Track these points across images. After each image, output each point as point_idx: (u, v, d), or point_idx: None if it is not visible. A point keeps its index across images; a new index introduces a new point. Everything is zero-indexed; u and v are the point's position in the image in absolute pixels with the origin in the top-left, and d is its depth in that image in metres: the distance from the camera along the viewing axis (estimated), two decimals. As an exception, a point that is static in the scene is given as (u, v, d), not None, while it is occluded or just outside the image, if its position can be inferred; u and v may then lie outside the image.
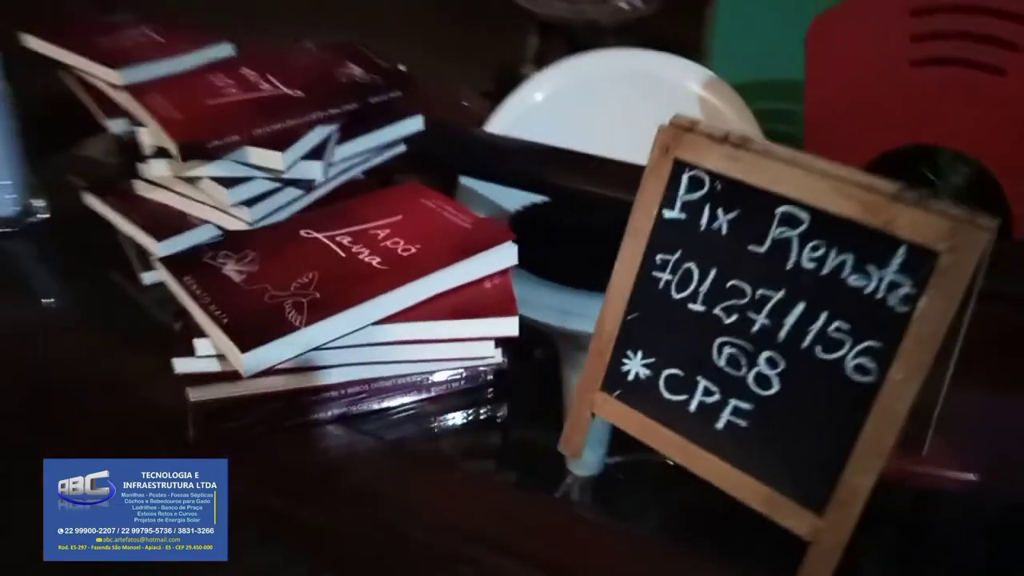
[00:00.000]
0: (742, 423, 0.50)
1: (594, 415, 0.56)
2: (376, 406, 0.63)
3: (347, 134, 0.76)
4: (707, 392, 0.51)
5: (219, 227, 0.73)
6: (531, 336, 0.73)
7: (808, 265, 0.47)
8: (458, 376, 0.64)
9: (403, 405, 0.63)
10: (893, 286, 0.44)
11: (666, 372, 0.53)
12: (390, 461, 0.61)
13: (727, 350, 0.50)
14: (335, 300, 0.58)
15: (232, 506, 0.52)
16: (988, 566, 0.57)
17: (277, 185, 0.72)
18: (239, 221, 0.72)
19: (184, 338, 0.59)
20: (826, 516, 0.46)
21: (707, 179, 0.50)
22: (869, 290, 0.45)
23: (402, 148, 0.82)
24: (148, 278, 0.74)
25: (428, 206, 0.70)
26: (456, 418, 0.64)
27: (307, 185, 0.74)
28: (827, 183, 0.46)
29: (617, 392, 0.55)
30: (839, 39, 1.07)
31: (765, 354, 0.49)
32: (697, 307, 0.52)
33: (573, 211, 0.93)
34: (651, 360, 0.54)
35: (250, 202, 0.71)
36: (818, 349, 0.47)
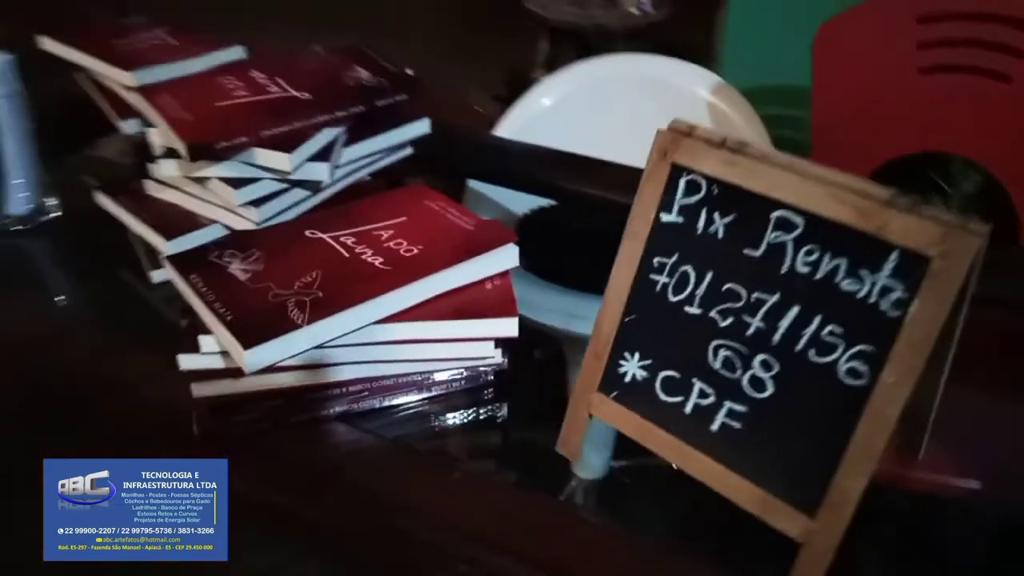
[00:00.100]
0: (736, 425, 0.50)
1: (591, 416, 0.56)
2: (378, 405, 0.63)
3: (354, 136, 0.77)
4: (702, 394, 0.52)
5: (227, 227, 0.74)
6: (533, 337, 0.74)
7: (802, 269, 0.47)
8: (459, 376, 0.65)
9: (404, 404, 0.64)
10: (885, 290, 0.44)
11: (662, 374, 0.53)
12: (391, 459, 0.62)
13: (722, 353, 0.51)
14: (337, 299, 0.59)
15: (233, 503, 0.52)
16: (987, 572, 0.57)
17: (284, 186, 0.73)
18: (247, 221, 0.73)
19: (190, 335, 0.60)
20: (818, 518, 0.46)
21: (704, 183, 0.51)
22: (862, 294, 0.45)
23: (409, 151, 0.83)
24: (157, 276, 0.75)
25: (432, 208, 0.71)
26: (457, 418, 0.65)
27: (314, 186, 0.75)
28: (821, 188, 0.46)
29: (614, 393, 0.55)
30: (846, 45, 1.07)
31: (759, 357, 0.49)
32: (693, 310, 0.52)
33: (580, 215, 0.94)
34: (648, 362, 0.54)
35: (257, 202, 0.72)
36: (811, 352, 0.47)
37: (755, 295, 0.49)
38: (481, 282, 0.65)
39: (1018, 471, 0.61)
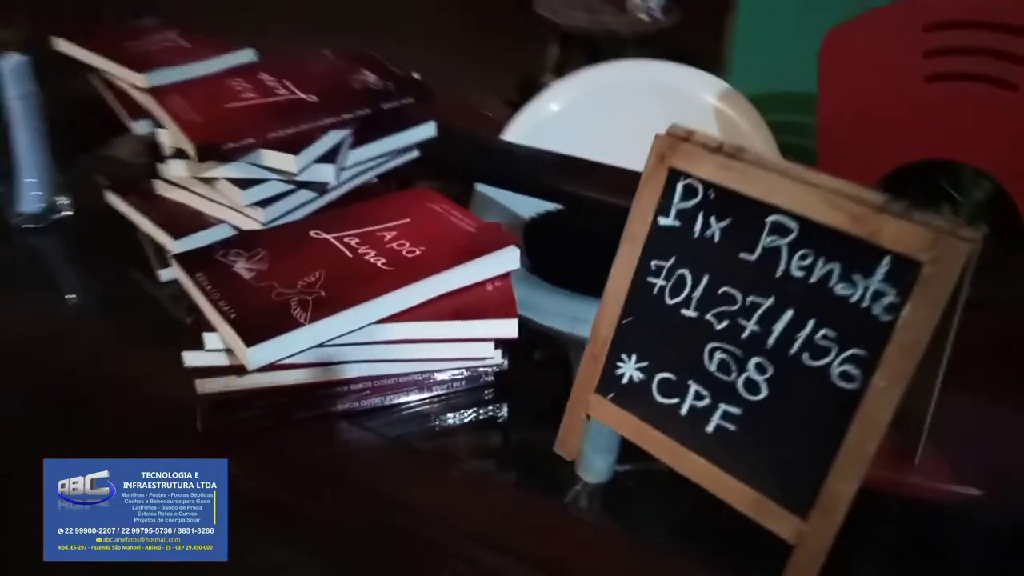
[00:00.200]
0: (731, 427, 0.51)
1: (589, 417, 0.57)
2: (379, 404, 0.64)
3: (360, 139, 0.78)
4: (698, 396, 0.52)
5: (234, 227, 0.75)
6: (538, 340, 0.74)
7: (797, 273, 0.48)
8: (460, 376, 0.66)
9: (406, 404, 0.65)
10: (878, 295, 0.45)
11: (659, 376, 0.54)
12: (392, 458, 0.62)
13: (718, 355, 0.51)
14: (339, 298, 0.60)
15: (235, 500, 0.52)
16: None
17: (291, 187, 0.74)
18: (253, 221, 0.74)
19: (195, 332, 0.61)
20: (810, 520, 0.47)
21: (701, 188, 0.52)
22: (855, 299, 0.46)
23: (415, 154, 0.84)
24: (164, 275, 0.76)
25: (435, 210, 0.72)
26: (457, 418, 0.65)
27: (320, 188, 0.76)
28: (815, 193, 0.47)
29: (611, 395, 0.56)
30: (852, 53, 1.07)
31: (754, 360, 0.50)
32: (690, 313, 0.53)
33: (585, 219, 0.94)
34: (645, 364, 0.55)
35: (264, 203, 0.73)
36: (805, 356, 0.48)
37: (750, 298, 0.50)
38: (482, 284, 0.65)
39: (1015, 477, 0.61)
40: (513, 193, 0.96)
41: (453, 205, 0.73)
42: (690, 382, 0.52)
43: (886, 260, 0.44)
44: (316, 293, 0.61)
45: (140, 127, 0.82)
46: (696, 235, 0.52)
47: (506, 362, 0.66)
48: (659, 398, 0.54)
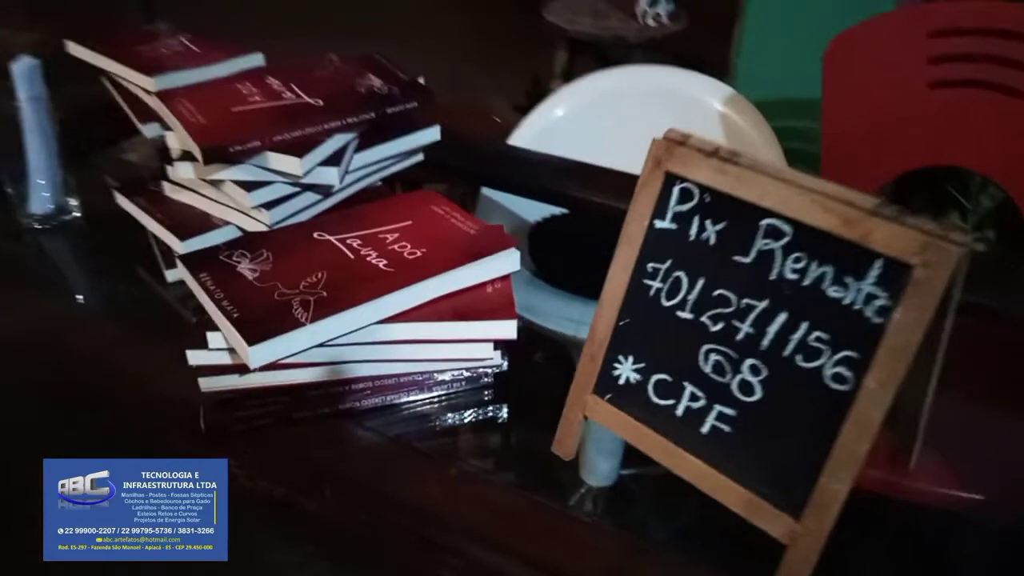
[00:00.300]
0: (726, 428, 0.51)
1: (586, 417, 0.58)
2: (380, 403, 0.65)
3: (365, 142, 0.78)
4: (693, 397, 0.53)
5: (240, 228, 0.76)
6: (542, 343, 0.75)
7: (790, 276, 0.48)
8: (460, 376, 0.66)
9: (406, 403, 0.65)
10: (870, 298, 0.45)
11: (655, 377, 0.54)
12: (392, 457, 0.63)
13: (713, 357, 0.52)
14: (341, 299, 0.61)
15: (235, 496, 0.53)
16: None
17: (296, 189, 0.75)
18: (259, 223, 0.75)
19: (199, 332, 0.62)
20: (803, 520, 0.47)
21: (696, 191, 0.52)
22: (847, 301, 0.46)
23: (420, 157, 0.85)
24: (171, 275, 0.77)
25: (437, 212, 0.72)
26: (457, 418, 0.66)
27: (325, 190, 0.77)
28: (809, 197, 0.47)
29: (608, 396, 0.56)
30: (857, 59, 1.07)
31: (749, 361, 0.50)
32: (685, 314, 0.53)
33: (589, 223, 0.95)
34: (641, 365, 0.55)
35: (269, 205, 0.74)
36: (799, 358, 0.48)
37: (745, 301, 0.50)
38: (482, 285, 0.66)
39: (1011, 482, 0.61)
40: (519, 197, 0.96)
41: (455, 207, 0.73)
42: (686, 383, 0.53)
43: (878, 263, 0.45)
44: (318, 293, 0.62)
45: (150, 130, 0.84)
46: (692, 238, 0.53)
47: (506, 363, 0.67)
48: (655, 399, 0.54)
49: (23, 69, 0.83)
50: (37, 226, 0.87)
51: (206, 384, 0.63)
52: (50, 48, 0.90)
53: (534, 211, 0.98)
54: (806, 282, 0.48)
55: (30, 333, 0.74)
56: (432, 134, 0.83)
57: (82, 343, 0.73)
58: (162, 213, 0.79)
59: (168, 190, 0.81)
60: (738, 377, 0.51)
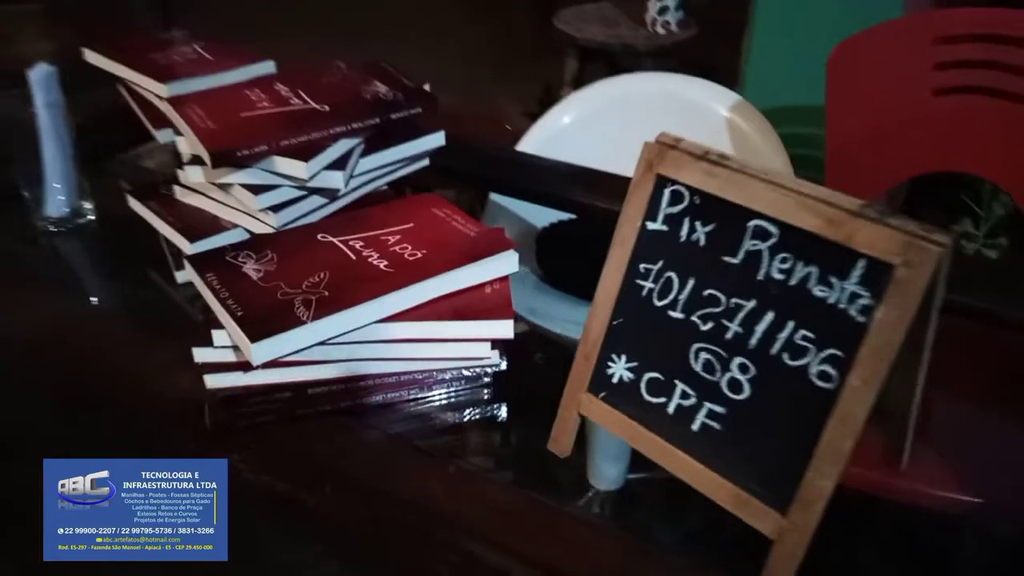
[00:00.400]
0: (715, 425, 0.52)
1: (582, 416, 0.59)
2: (380, 401, 0.66)
3: (371, 147, 0.80)
4: (684, 395, 0.54)
5: (248, 230, 0.78)
6: (544, 345, 0.76)
7: (777, 276, 0.49)
8: (460, 376, 0.68)
9: (406, 401, 0.67)
10: (854, 297, 0.46)
11: (647, 375, 0.55)
12: (392, 455, 0.64)
13: (703, 356, 0.53)
14: (342, 298, 0.62)
15: (236, 493, 0.54)
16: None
17: (302, 193, 0.77)
18: (266, 225, 0.76)
19: (205, 330, 0.64)
20: (789, 516, 0.48)
21: (687, 193, 0.53)
22: (832, 300, 0.47)
23: (425, 162, 0.86)
24: (181, 277, 0.79)
25: (438, 215, 0.74)
26: (457, 416, 0.67)
27: (330, 194, 0.78)
28: (794, 199, 0.48)
29: (602, 394, 0.57)
30: (862, 66, 1.07)
31: (737, 360, 0.51)
32: (677, 314, 0.54)
33: (596, 228, 0.96)
34: (634, 364, 0.56)
35: (276, 208, 0.75)
36: (785, 356, 0.49)
37: (733, 300, 0.51)
38: (481, 286, 0.67)
39: (1007, 483, 0.61)
40: (527, 202, 0.98)
41: (456, 210, 0.75)
42: (677, 381, 0.54)
43: (861, 263, 0.45)
44: (320, 293, 0.63)
45: (163, 136, 0.86)
46: (683, 239, 0.54)
47: (504, 363, 0.68)
48: (648, 397, 0.55)
49: (40, 76, 0.86)
50: (52, 229, 0.89)
51: (211, 381, 0.64)
52: (67, 55, 0.93)
53: (542, 217, 0.99)
54: (792, 282, 0.49)
55: (36, 333, 0.75)
56: (436, 139, 0.84)
57: (86, 343, 0.75)
58: (173, 216, 0.81)
59: (179, 193, 0.83)
60: (727, 375, 0.51)
